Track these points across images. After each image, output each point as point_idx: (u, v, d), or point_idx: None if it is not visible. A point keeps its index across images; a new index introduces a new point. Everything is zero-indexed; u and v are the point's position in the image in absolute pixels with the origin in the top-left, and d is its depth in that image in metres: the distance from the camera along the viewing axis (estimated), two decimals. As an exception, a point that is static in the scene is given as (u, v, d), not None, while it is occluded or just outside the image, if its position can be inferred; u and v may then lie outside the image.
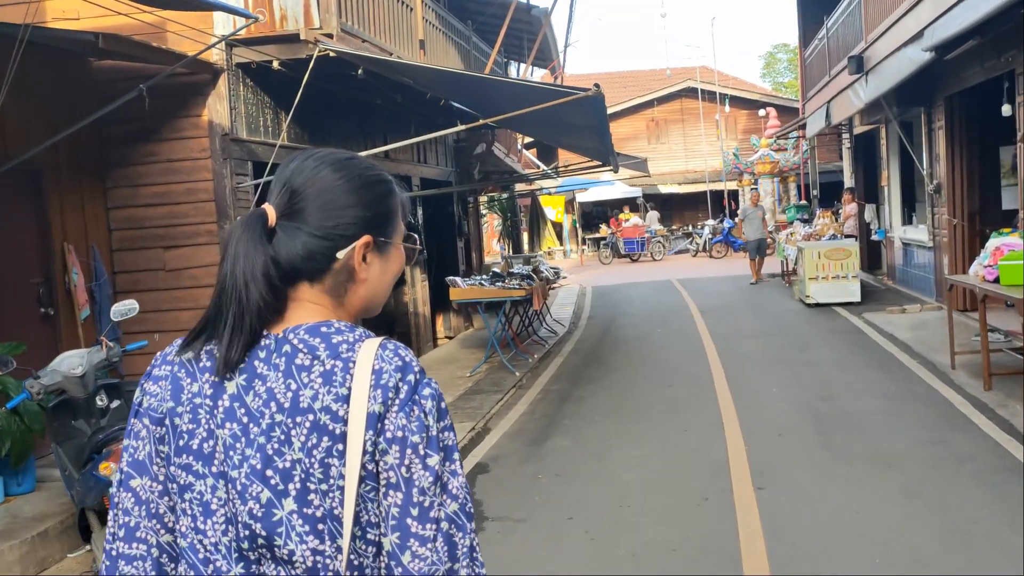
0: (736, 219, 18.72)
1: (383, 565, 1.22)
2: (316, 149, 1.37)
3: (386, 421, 1.21)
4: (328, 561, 1.21)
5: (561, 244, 34.74)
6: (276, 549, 1.21)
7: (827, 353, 10.01)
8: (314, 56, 7.15)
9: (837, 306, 13.91)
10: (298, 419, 1.22)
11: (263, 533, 1.21)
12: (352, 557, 1.21)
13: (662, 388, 8.89)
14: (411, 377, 1.26)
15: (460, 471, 1.26)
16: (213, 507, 1.25)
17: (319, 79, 8.70)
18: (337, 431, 1.21)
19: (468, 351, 12.38)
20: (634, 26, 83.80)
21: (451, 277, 10.78)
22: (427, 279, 12.61)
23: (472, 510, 1.26)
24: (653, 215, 30.94)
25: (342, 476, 1.21)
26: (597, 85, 6.13)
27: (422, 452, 1.21)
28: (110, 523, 1.33)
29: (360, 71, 7.94)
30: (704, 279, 20.16)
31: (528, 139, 22.74)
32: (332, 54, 7.21)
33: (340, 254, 1.31)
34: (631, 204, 31.73)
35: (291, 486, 1.21)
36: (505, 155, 19.25)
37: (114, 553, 1.31)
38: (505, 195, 23.00)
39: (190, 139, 7.21)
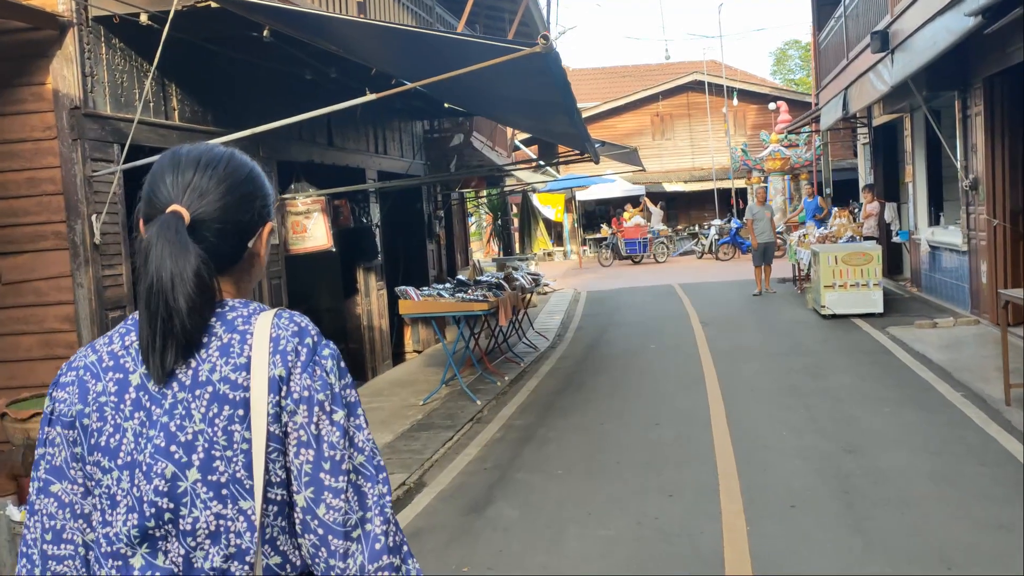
0: (744, 219, 16.88)
1: (298, 522, 1.29)
2: (199, 146, 1.43)
3: (291, 383, 1.30)
4: (230, 524, 1.28)
5: (561, 244, 33.09)
6: (181, 520, 1.28)
7: (848, 380, 8.33)
8: (188, 4, 5.52)
9: (856, 318, 12.22)
10: (197, 392, 1.29)
11: (170, 506, 1.28)
12: (252, 517, 1.28)
13: (647, 427, 7.23)
14: (309, 340, 1.33)
15: (364, 425, 1.34)
16: (118, 498, 1.31)
17: (224, 45, 7.09)
18: (237, 398, 1.29)
19: (432, 370, 10.73)
20: (635, 12, 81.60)
21: (402, 287, 9.13)
22: (385, 287, 10.96)
23: (380, 461, 1.33)
24: (657, 214, 29.20)
25: (245, 440, 1.28)
26: (546, 37, 4.48)
27: (328, 409, 1.30)
28: (30, 529, 1.37)
29: (266, 32, 6.30)
30: (708, 284, 18.47)
31: (524, 135, 21.13)
32: (213, 3, 5.57)
33: (250, 243, 1.43)
34: (634, 202, 30.02)
35: (195, 456, 1.28)
36: (491, 148, 17.60)
37: (36, 557, 1.36)
38: (493, 192, 21.37)
39: (30, 114, 5.58)
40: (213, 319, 1.34)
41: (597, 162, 10.45)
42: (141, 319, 1.33)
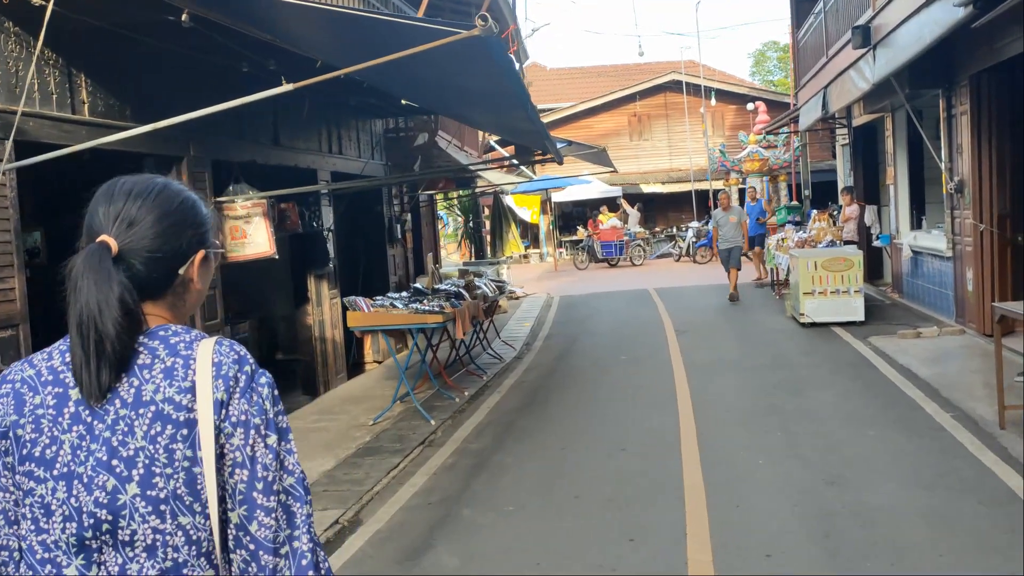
0: (710, 226, 16.40)
1: (231, 538, 1.36)
2: (134, 177, 1.51)
3: (230, 407, 1.38)
4: (168, 538, 1.34)
5: (537, 247, 32.47)
6: (120, 531, 1.34)
7: (829, 398, 7.74)
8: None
9: (836, 326, 11.68)
10: (140, 411, 1.36)
11: (108, 518, 1.33)
12: (192, 531, 1.35)
13: (612, 453, 6.60)
14: (247, 368, 1.42)
15: (294, 450, 1.43)
16: (53, 508, 1.36)
17: (141, 32, 6.41)
18: (181, 419, 1.36)
19: (391, 384, 10.04)
20: (609, 10, 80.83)
21: (352, 297, 8.47)
22: (339, 295, 10.29)
23: (307, 483, 1.42)
24: (634, 216, 28.63)
25: (187, 459, 1.35)
26: (484, 17, 3.84)
27: (263, 432, 1.39)
28: None
29: (184, 16, 5.64)
30: (685, 289, 17.89)
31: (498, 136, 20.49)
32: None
33: (181, 270, 1.50)
34: (610, 204, 29.45)
35: (135, 472, 1.34)
36: (459, 148, 16.95)
37: None
38: (464, 194, 20.73)
39: None
40: (156, 343, 1.42)
41: (560, 163, 9.84)
42: (73, 343, 1.39)
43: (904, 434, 6.40)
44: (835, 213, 15.70)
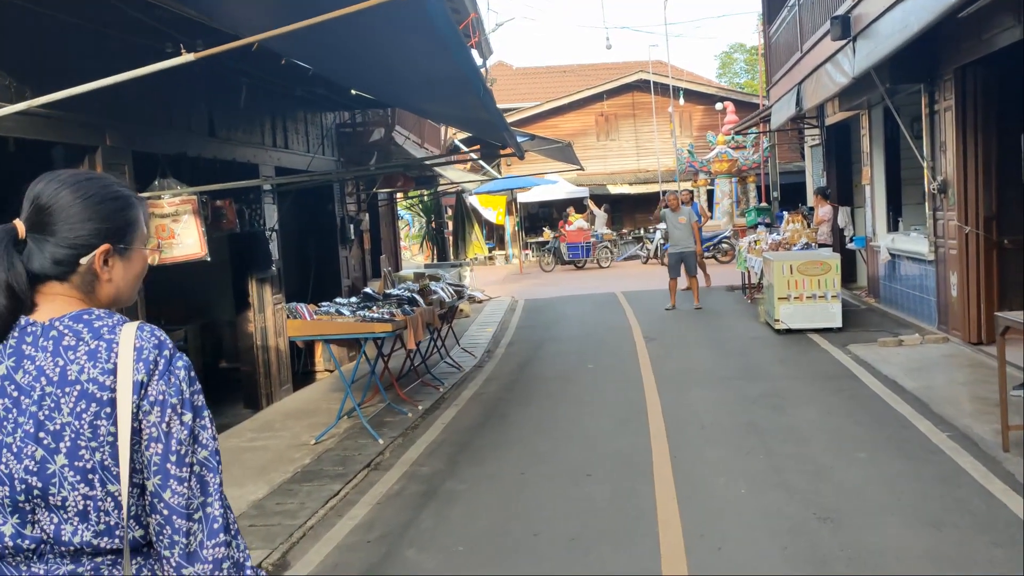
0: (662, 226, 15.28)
1: (147, 503, 1.51)
2: (61, 171, 1.60)
3: (149, 388, 1.50)
4: (99, 504, 1.48)
5: (503, 248, 31.79)
6: (51, 497, 1.47)
7: (814, 415, 7.13)
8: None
9: (813, 332, 11.12)
10: (66, 389, 1.48)
11: (39, 485, 1.46)
12: (121, 498, 1.49)
13: (577, 478, 5.93)
14: (166, 352, 1.53)
15: (208, 426, 1.55)
16: None
17: (43, 4, 5.65)
18: (104, 397, 1.48)
19: (339, 396, 9.27)
20: (576, 6, 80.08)
21: (293, 304, 7.73)
22: (283, 300, 9.52)
23: (220, 457, 1.57)
24: (601, 217, 28.04)
25: (110, 434, 1.48)
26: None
27: (179, 411, 1.51)
28: None
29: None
30: (653, 292, 17.23)
31: (465, 133, 19.73)
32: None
33: (83, 260, 1.57)
34: (576, 205, 28.84)
35: (62, 444, 1.47)
36: (419, 145, 16.23)
37: None
38: (426, 193, 20.01)
39: None
40: (80, 326, 1.53)
41: (521, 157, 9.16)
42: None
43: (899, 458, 5.78)
44: (807, 215, 15.15)
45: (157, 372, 1.50)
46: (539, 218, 32.85)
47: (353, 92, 9.25)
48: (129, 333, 1.52)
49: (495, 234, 32.42)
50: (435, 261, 21.65)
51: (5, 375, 1.49)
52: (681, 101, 30.75)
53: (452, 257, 21.44)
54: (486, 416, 8.09)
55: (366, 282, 13.81)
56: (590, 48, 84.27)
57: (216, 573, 1.50)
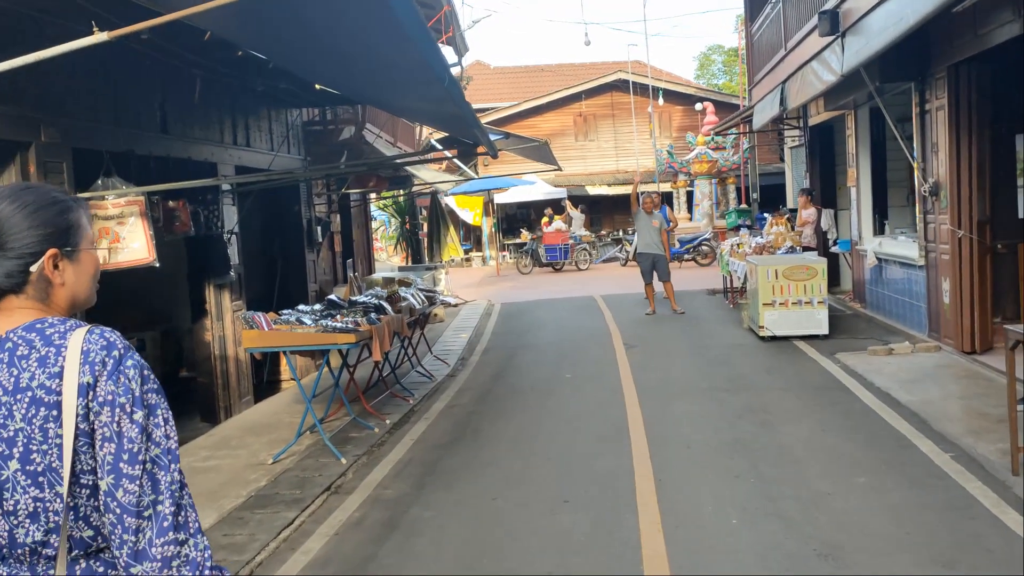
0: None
1: (101, 503, 1.52)
2: (6, 185, 1.80)
3: (97, 389, 1.52)
4: (48, 504, 1.52)
5: (480, 250, 31.30)
6: (4, 502, 1.51)
7: (806, 432, 6.69)
8: None
9: (798, 339, 10.72)
10: (18, 396, 1.52)
11: None
12: (69, 499, 1.52)
13: (554, 506, 5.45)
14: (116, 353, 1.55)
15: (163, 424, 1.57)
16: None
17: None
18: (52, 401, 1.51)
19: (303, 408, 8.78)
20: (556, 6, 79.49)
21: (250, 312, 7.21)
22: (244, 307, 8.98)
23: (176, 454, 1.58)
24: (579, 218, 27.61)
25: (58, 436, 1.51)
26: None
27: (129, 410, 1.53)
28: None
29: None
30: (633, 296, 16.80)
31: (441, 133, 19.18)
32: None
33: (33, 268, 1.60)
34: (555, 206, 28.40)
35: (15, 450, 1.51)
36: (391, 144, 15.71)
37: None
38: (401, 194, 19.49)
39: None
40: (33, 335, 1.56)
41: (495, 156, 8.68)
42: None
43: (902, 483, 5.35)
44: (791, 217, 14.77)
45: (105, 373, 1.52)
46: (517, 219, 32.40)
47: (318, 87, 8.73)
48: (78, 337, 1.54)
49: (472, 235, 31.93)
50: (410, 263, 21.13)
51: None
52: (660, 101, 30.40)
53: (427, 259, 20.89)
54: (458, 432, 7.60)
55: (337, 285, 13.28)
56: (569, 48, 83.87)
57: (164, 571, 1.49)
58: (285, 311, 7.89)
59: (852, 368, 8.85)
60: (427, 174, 17.54)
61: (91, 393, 1.51)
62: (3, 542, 1.52)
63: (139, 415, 1.53)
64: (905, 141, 10.16)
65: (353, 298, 8.49)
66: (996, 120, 9.13)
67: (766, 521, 4.89)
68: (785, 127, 17.95)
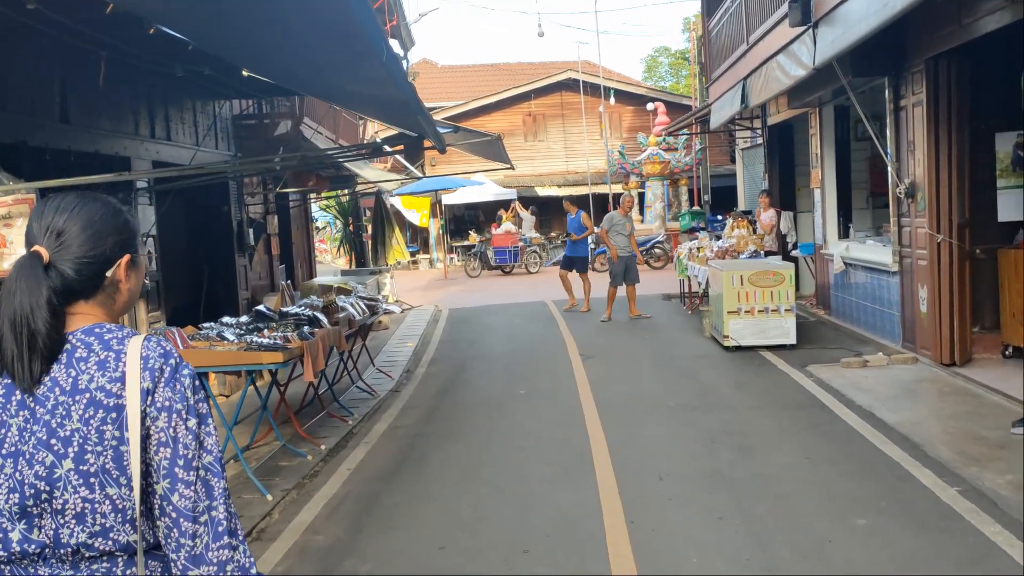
0: (600, 227, 14.18)
1: (156, 507, 1.56)
2: (62, 195, 1.68)
3: (155, 395, 1.56)
4: (96, 506, 1.53)
5: (427, 252, 30.44)
6: (54, 500, 1.53)
7: (789, 460, 6.01)
8: None
9: (765, 349, 10.11)
10: (76, 397, 1.55)
11: (46, 488, 1.52)
12: (117, 501, 1.55)
13: (509, 557, 4.67)
14: (172, 361, 1.61)
15: (213, 432, 1.62)
16: (0, 481, 1.55)
17: None
18: (111, 404, 1.55)
19: (222, 434, 7.87)
20: (506, 8, 78.70)
21: (163, 327, 6.32)
22: (163, 318, 8.05)
23: (223, 462, 1.63)
24: (529, 220, 26.91)
25: (115, 439, 1.54)
26: None
27: (184, 417, 1.57)
28: None
29: None
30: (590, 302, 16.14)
31: (389, 131, 18.27)
32: None
33: (109, 273, 1.67)
34: (506, 207, 27.65)
35: (70, 449, 1.53)
36: (332, 141, 14.80)
37: None
38: (342, 194, 18.58)
39: None
40: (92, 339, 1.60)
41: (443, 151, 7.89)
42: (7, 339, 1.56)
43: (909, 526, 4.67)
44: (752, 220, 14.20)
45: (163, 380, 1.57)
46: (465, 221, 31.61)
47: (245, 73, 7.84)
48: (136, 344, 1.60)
49: (419, 237, 31.06)
50: (353, 267, 20.20)
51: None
52: (612, 101, 29.84)
53: (372, 262, 20.00)
54: (401, 459, 6.79)
55: (273, 292, 12.36)
56: (519, 45, 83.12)
57: (220, 575, 1.54)
58: (206, 325, 7.01)
59: (827, 382, 8.24)
60: (371, 173, 16.66)
61: (150, 399, 1.56)
62: (48, 541, 1.54)
63: (192, 422, 1.58)
64: (880, 140, 9.59)
65: (284, 309, 7.63)
66: (975, 117, 8.61)
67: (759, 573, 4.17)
68: (737, 128, 17.44)
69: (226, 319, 7.33)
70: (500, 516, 5.32)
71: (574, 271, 14.96)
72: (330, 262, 33.54)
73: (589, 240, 15.68)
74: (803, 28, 9.11)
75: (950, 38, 7.90)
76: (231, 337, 6.53)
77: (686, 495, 5.42)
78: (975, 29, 7.41)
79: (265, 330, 6.80)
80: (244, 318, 7.43)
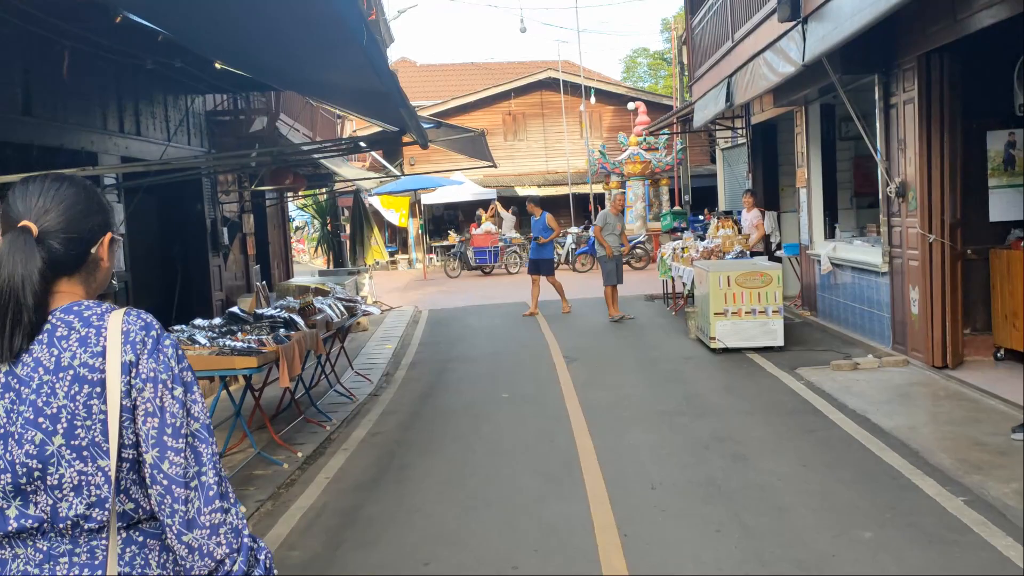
0: (595, 224, 13.98)
1: (147, 475, 1.59)
2: (40, 177, 1.70)
3: (139, 366, 1.59)
4: (90, 478, 1.57)
5: (406, 253, 30.12)
6: (48, 477, 1.56)
7: (785, 469, 5.79)
8: None
9: (753, 351, 9.92)
10: (60, 375, 1.58)
11: (39, 466, 1.56)
12: (110, 472, 1.58)
13: (495, 572, 4.42)
14: (153, 332, 1.63)
15: (199, 400, 1.65)
16: None
17: None
18: (95, 379, 1.58)
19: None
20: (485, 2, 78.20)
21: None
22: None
23: (211, 428, 1.65)
24: (509, 220, 26.66)
25: (101, 412, 1.58)
26: None
27: (170, 386, 1.61)
28: None
29: None
30: (569, 302, 15.94)
31: (368, 128, 17.96)
32: None
33: (93, 249, 1.71)
34: (487, 207, 27.39)
35: (59, 426, 1.56)
36: (309, 139, 14.47)
37: None
38: (320, 193, 18.26)
39: None
40: (72, 317, 1.62)
41: (425, 147, 7.61)
42: None
43: (917, 539, 4.46)
44: (737, 220, 14.03)
45: (146, 351, 1.59)
46: (444, 221, 31.32)
47: (219, 66, 7.54)
48: (117, 318, 1.61)
49: (398, 237, 30.75)
50: (331, 267, 19.88)
51: (8, 370, 1.59)
52: (593, 100, 29.66)
53: (350, 262, 19.68)
54: (381, 467, 6.51)
55: (248, 292, 12.03)
56: (499, 44, 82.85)
57: (214, 538, 1.57)
58: (177, 327, 6.71)
59: (818, 386, 8.05)
60: (349, 171, 16.34)
61: (133, 371, 1.58)
62: (45, 516, 1.56)
63: (179, 391, 1.61)
64: (869, 138, 9.42)
65: (260, 311, 7.33)
66: (966, 115, 8.45)
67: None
68: (718, 127, 17.28)
69: (198, 321, 7.03)
70: (485, 529, 5.06)
71: (540, 275, 14.62)
72: (308, 262, 33.14)
73: (555, 242, 15.46)
74: (792, 24, 8.92)
75: (944, 34, 7.73)
76: (203, 340, 6.23)
77: (680, 506, 5.19)
78: (971, 24, 7.24)
79: (239, 333, 6.51)
80: (217, 320, 7.13)
